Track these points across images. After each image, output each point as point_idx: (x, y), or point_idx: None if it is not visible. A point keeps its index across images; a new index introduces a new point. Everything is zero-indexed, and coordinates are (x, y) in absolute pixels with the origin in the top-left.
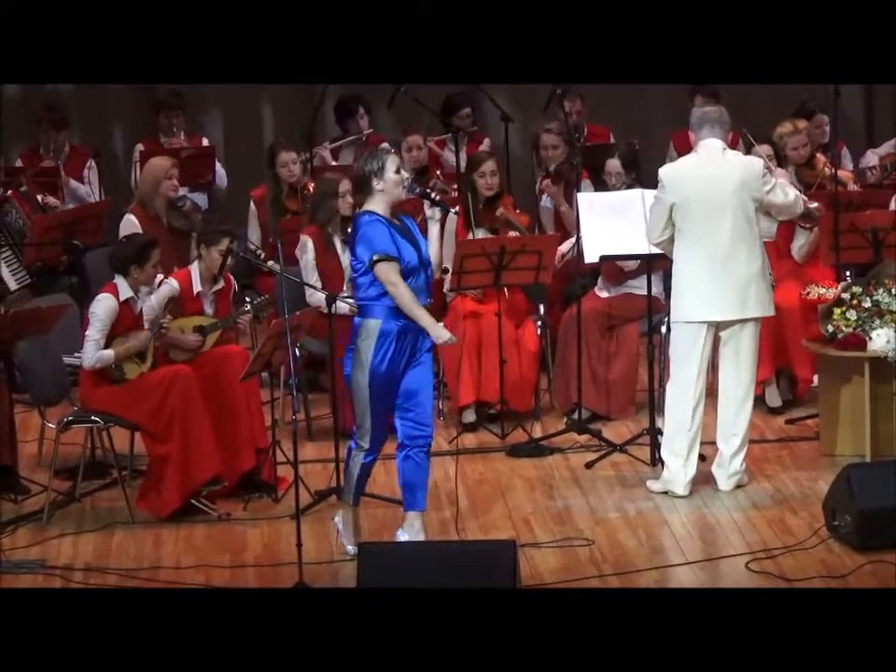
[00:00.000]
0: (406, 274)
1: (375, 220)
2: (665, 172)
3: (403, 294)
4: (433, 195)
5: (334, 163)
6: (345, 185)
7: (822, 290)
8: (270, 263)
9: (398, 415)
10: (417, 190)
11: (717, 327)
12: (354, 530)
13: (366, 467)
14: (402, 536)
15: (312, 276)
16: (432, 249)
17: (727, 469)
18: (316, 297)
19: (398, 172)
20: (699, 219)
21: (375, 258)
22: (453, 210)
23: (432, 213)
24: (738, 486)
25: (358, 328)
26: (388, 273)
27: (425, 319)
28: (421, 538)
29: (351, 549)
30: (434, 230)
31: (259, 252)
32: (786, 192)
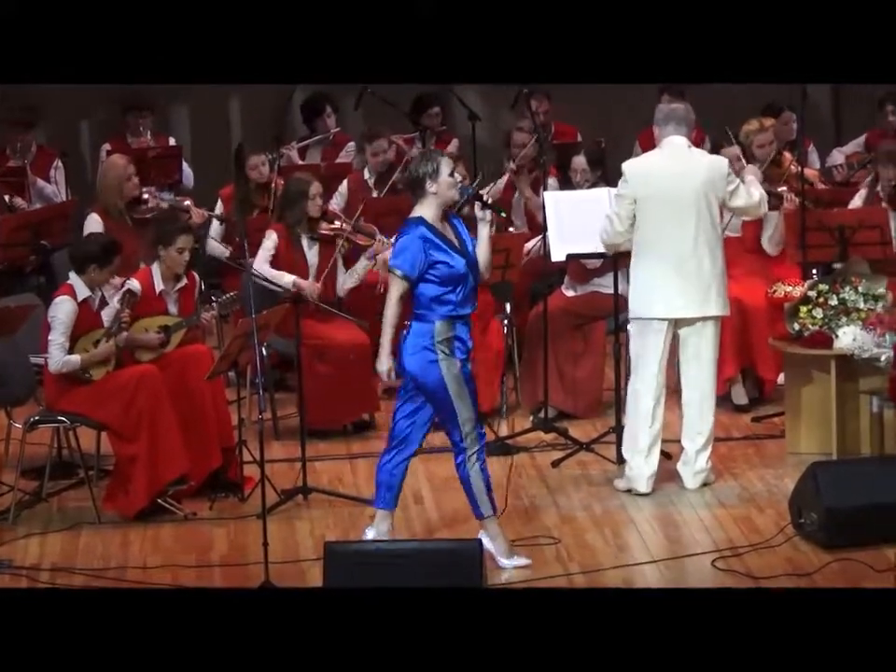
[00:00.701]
0: (452, 281)
1: (417, 235)
2: (629, 166)
3: (388, 313)
4: (486, 198)
5: (301, 162)
6: (316, 187)
7: (789, 288)
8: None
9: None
10: (470, 192)
11: (675, 325)
12: (507, 541)
13: (485, 467)
14: (369, 533)
15: (263, 265)
16: (482, 251)
17: (693, 466)
18: (285, 279)
19: (451, 175)
20: (663, 216)
21: (394, 271)
22: (503, 213)
23: (483, 214)
24: (705, 484)
25: (433, 331)
26: (392, 287)
27: (384, 345)
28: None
29: (506, 562)
30: (484, 231)
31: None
32: (750, 193)
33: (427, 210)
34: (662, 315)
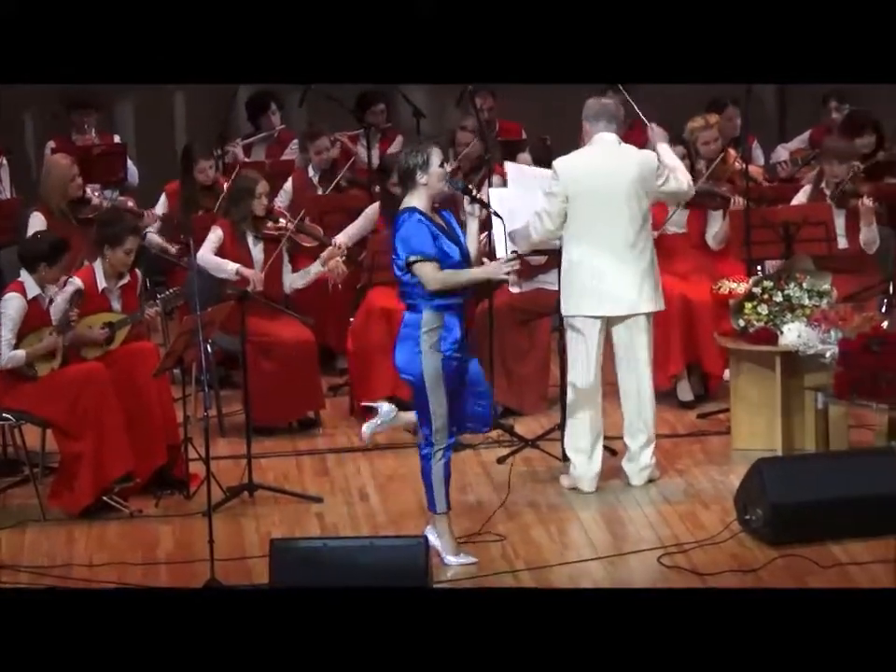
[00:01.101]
0: (447, 270)
1: (416, 220)
2: (560, 164)
3: (447, 280)
4: (474, 192)
5: (246, 160)
6: (263, 186)
7: (734, 285)
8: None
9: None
10: (459, 185)
11: (609, 322)
12: (454, 539)
13: (447, 466)
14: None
15: (207, 254)
16: (471, 245)
17: (637, 463)
18: (228, 267)
19: (441, 166)
20: (595, 214)
21: (411, 259)
22: (489, 206)
23: (472, 209)
24: (650, 480)
25: (420, 321)
26: (426, 273)
27: (475, 275)
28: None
29: (453, 559)
30: (473, 225)
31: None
32: (678, 179)
33: (418, 201)
34: (593, 312)
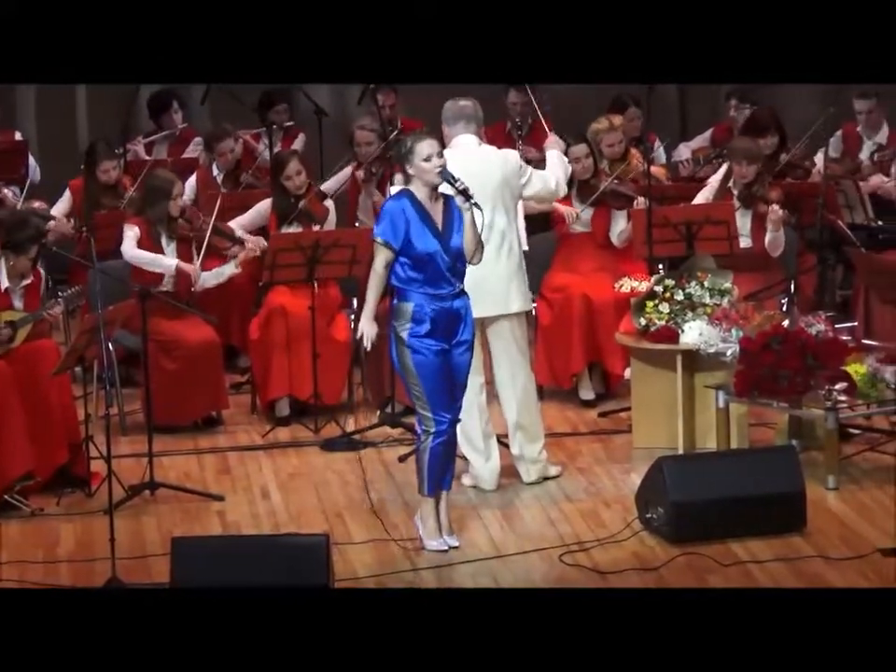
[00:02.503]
0: (419, 260)
1: (397, 205)
2: None
3: (372, 281)
4: (458, 184)
5: (147, 158)
6: (178, 188)
7: (635, 283)
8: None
9: None
10: (447, 177)
11: (483, 323)
12: (436, 525)
13: (435, 451)
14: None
15: (136, 252)
16: (465, 237)
17: (525, 461)
18: (166, 262)
19: (427, 160)
20: None
21: (375, 237)
22: (474, 202)
23: (461, 202)
24: (548, 478)
25: (395, 310)
26: (376, 258)
27: (364, 310)
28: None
29: (435, 544)
30: (466, 217)
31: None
32: (545, 179)
33: (413, 186)
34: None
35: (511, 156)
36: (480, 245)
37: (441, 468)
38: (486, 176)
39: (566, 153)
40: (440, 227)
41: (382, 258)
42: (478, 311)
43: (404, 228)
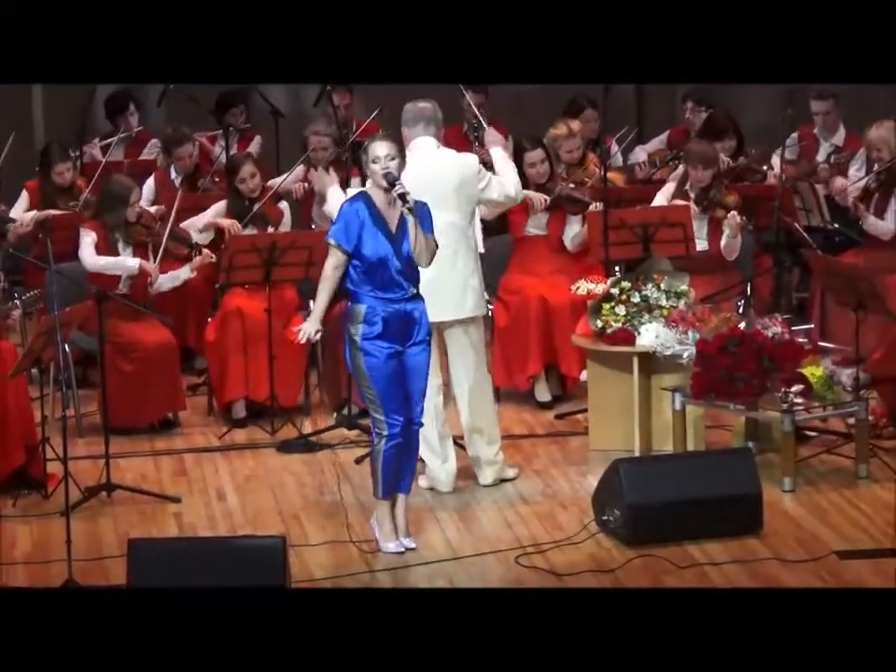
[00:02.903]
0: (370, 267)
1: (352, 207)
2: None
3: (323, 283)
4: (397, 188)
5: (103, 160)
6: (136, 194)
7: (591, 286)
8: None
9: None
10: (390, 179)
11: (439, 327)
12: (392, 527)
13: (388, 454)
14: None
15: (96, 258)
16: (409, 240)
17: (481, 463)
18: (129, 263)
19: (374, 162)
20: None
21: (329, 241)
22: (409, 204)
23: (399, 205)
24: (505, 480)
25: (348, 313)
26: (329, 258)
27: (313, 310)
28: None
29: (391, 546)
30: (410, 220)
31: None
32: (502, 185)
33: (371, 190)
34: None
35: (471, 160)
36: (428, 249)
37: (395, 470)
38: (444, 179)
39: (521, 159)
40: (393, 230)
41: (333, 259)
42: (434, 315)
43: (357, 230)
